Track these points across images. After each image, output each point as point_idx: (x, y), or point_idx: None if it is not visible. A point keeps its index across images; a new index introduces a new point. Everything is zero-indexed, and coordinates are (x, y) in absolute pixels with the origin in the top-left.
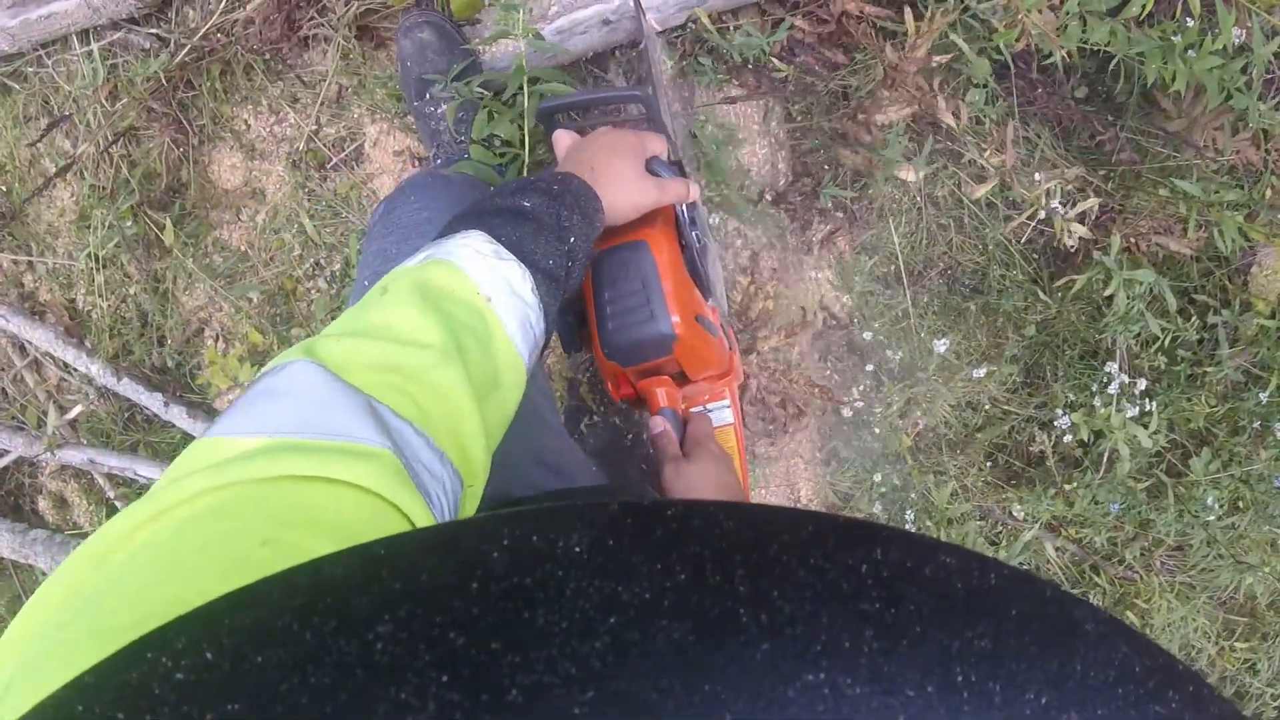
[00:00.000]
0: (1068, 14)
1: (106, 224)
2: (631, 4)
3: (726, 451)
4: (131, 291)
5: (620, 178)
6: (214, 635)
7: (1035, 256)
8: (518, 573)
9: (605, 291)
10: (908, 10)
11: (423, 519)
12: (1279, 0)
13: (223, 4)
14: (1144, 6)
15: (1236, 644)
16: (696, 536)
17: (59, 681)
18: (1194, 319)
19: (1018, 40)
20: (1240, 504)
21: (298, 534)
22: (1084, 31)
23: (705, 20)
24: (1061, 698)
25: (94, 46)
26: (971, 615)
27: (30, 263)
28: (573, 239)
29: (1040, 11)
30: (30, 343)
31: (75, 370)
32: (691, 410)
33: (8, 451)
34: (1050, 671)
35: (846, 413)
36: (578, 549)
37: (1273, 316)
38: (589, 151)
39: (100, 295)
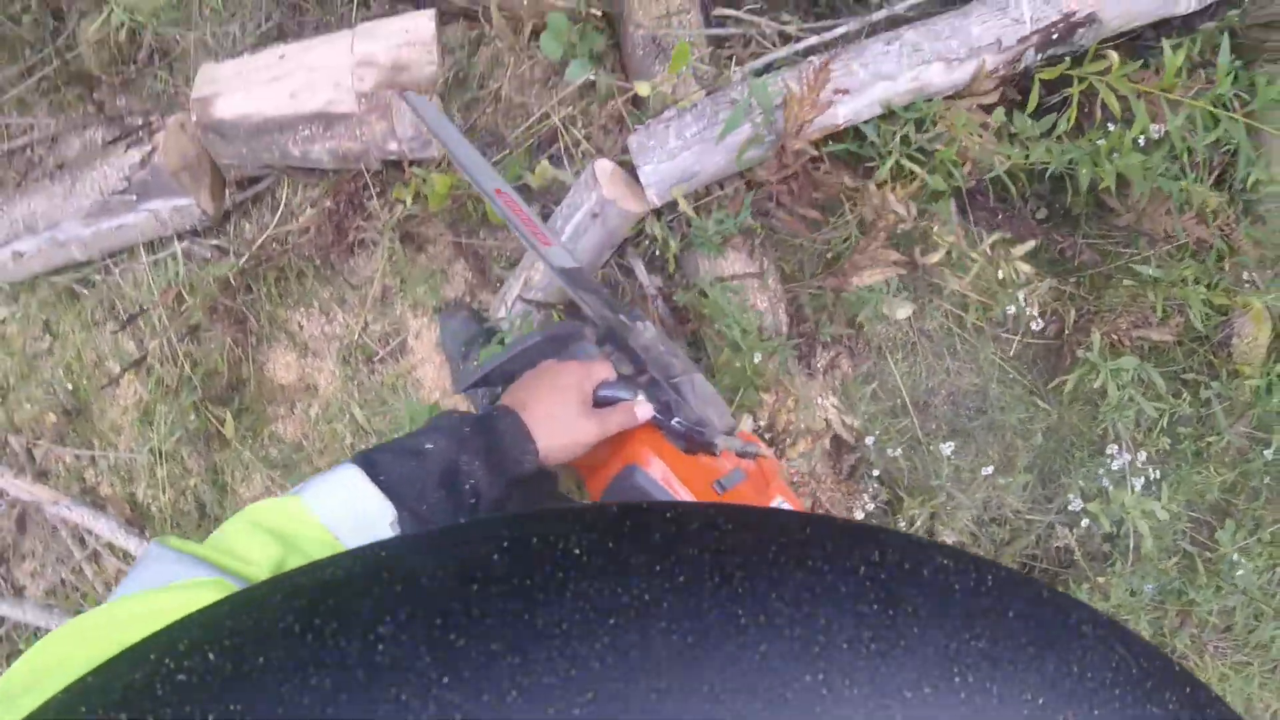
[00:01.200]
0: (998, 136)
1: (170, 420)
2: (610, 197)
3: None
4: (191, 484)
5: (553, 417)
6: (216, 636)
7: (1028, 369)
8: (518, 575)
9: None
10: (872, 187)
11: None
12: (1175, 82)
13: (278, 216)
14: (1069, 120)
15: None
16: (695, 538)
17: None
18: (1186, 396)
19: (963, 164)
20: (1277, 565)
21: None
22: (1026, 157)
23: (683, 203)
24: (1058, 699)
25: (170, 253)
26: (969, 617)
27: (93, 458)
28: (471, 483)
29: (977, 135)
30: (91, 533)
31: (135, 559)
32: None
33: None
34: (1047, 673)
35: (859, 515)
36: (577, 551)
37: (1262, 376)
38: (527, 389)
39: (161, 489)
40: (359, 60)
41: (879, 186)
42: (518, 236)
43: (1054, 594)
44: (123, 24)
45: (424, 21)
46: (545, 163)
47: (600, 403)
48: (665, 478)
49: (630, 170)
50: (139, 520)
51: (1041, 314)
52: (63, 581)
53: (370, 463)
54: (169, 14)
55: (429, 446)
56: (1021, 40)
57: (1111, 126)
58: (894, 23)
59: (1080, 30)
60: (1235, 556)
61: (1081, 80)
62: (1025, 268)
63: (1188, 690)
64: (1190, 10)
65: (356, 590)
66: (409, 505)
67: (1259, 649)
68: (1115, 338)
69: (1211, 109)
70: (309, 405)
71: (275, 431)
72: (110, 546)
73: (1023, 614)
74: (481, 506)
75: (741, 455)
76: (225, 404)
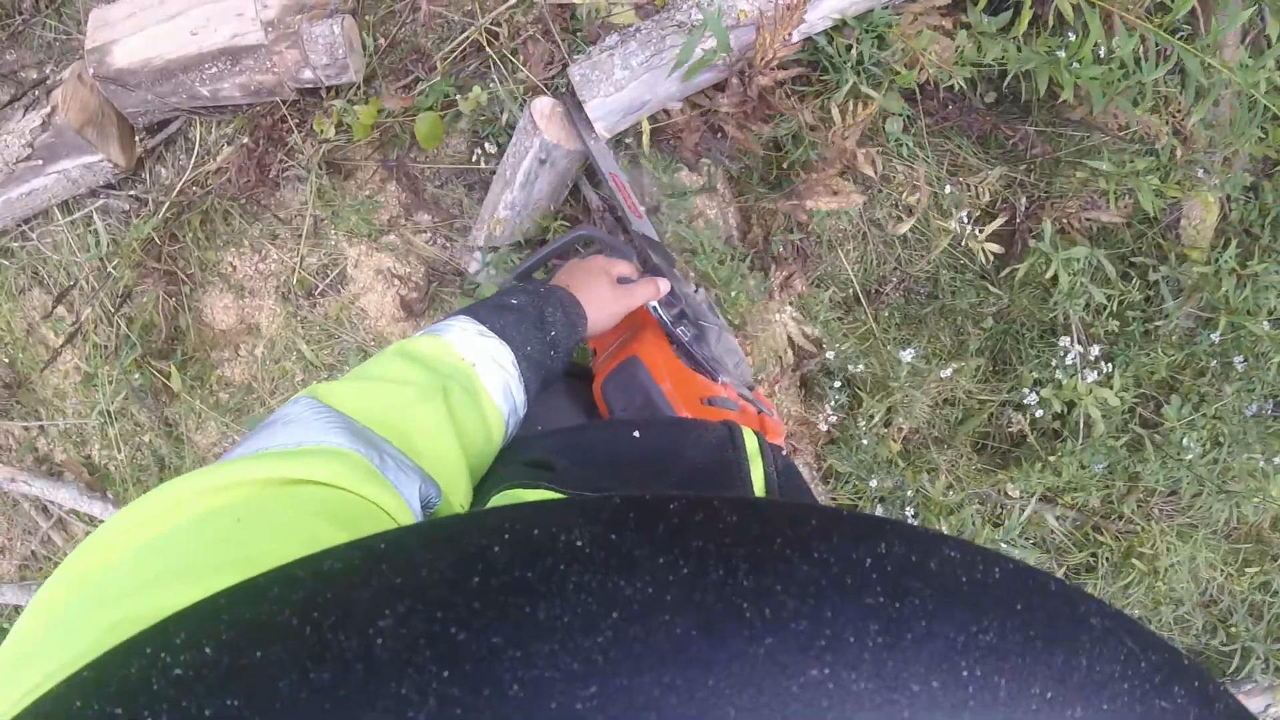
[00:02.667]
0: (959, 46)
1: (114, 379)
2: (554, 141)
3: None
4: (146, 439)
5: (593, 290)
6: (213, 630)
7: (978, 255)
8: (519, 567)
9: (615, 410)
10: (835, 108)
11: (397, 509)
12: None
13: (194, 158)
14: (1021, 24)
15: (1246, 569)
16: (699, 530)
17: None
18: (1135, 280)
19: (919, 75)
20: (1220, 439)
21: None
22: (980, 53)
23: (646, 137)
24: (1067, 692)
25: (85, 212)
26: (976, 610)
27: (42, 427)
28: (554, 331)
29: (935, 48)
30: (54, 503)
31: (101, 521)
32: None
33: None
34: (1055, 666)
35: (822, 427)
36: (580, 543)
37: (1208, 263)
38: (565, 276)
39: (116, 448)
40: None
41: (842, 125)
42: (620, 211)
43: (1062, 586)
44: None
45: None
46: (476, 89)
47: (625, 284)
48: (660, 375)
49: (571, 96)
50: (98, 484)
51: (992, 202)
52: (33, 554)
53: (476, 315)
54: None
55: (514, 301)
56: None
57: (1072, 37)
58: None
59: None
60: (1181, 434)
61: None
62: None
63: (1196, 684)
64: None
65: (355, 583)
66: (520, 348)
67: (1202, 514)
68: (1065, 221)
69: (1164, 35)
70: (254, 346)
71: (223, 376)
72: (75, 512)
73: (1030, 607)
74: (557, 358)
75: (743, 396)
76: (167, 356)
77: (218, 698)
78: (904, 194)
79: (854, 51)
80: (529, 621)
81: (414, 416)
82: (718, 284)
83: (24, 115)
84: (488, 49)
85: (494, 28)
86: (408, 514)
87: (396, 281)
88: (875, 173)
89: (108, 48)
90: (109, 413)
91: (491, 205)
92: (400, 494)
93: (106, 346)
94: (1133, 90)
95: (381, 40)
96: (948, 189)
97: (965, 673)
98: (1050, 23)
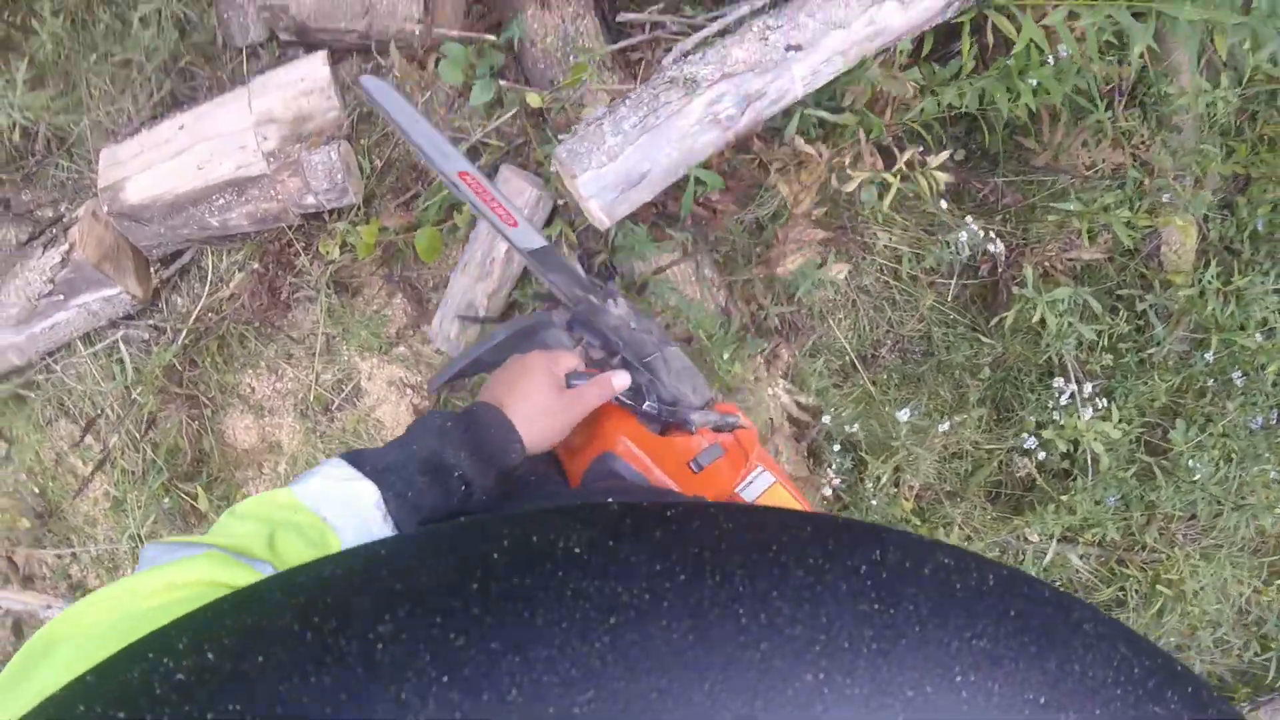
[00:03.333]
0: (916, 98)
1: (142, 504)
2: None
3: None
4: None
5: (530, 401)
6: (215, 635)
7: (967, 309)
8: (518, 573)
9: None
10: (782, 184)
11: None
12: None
13: (208, 286)
14: (968, 57)
15: (1276, 579)
16: (696, 537)
17: None
18: (1123, 312)
19: (888, 129)
20: (1231, 455)
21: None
22: (937, 103)
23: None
24: (1060, 698)
25: (108, 342)
26: (970, 616)
27: (74, 554)
28: (458, 473)
29: (890, 110)
30: None
31: None
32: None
33: None
34: (1049, 671)
35: (827, 491)
36: (578, 549)
37: (1192, 285)
38: (499, 384)
39: None
40: (259, 119)
41: (790, 191)
42: (485, 219)
43: (1056, 593)
44: (14, 124)
45: (318, 66)
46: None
47: (574, 388)
48: (639, 461)
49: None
50: None
51: (973, 255)
52: None
53: (355, 455)
54: (59, 103)
55: (415, 446)
56: None
57: (1011, 57)
58: None
59: None
60: (1190, 456)
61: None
62: (943, 176)
63: (1189, 689)
64: None
65: (356, 588)
66: (394, 489)
67: (1224, 533)
68: (1048, 265)
69: (1108, 14)
70: (276, 463)
71: (248, 494)
72: None
73: (1024, 613)
74: (474, 495)
75: (718, 429)
76: (194, 479)
77: (219, 701)
78: (888, 238)
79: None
80: (527, 627)
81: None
82: (715, 356)
83: (44, 253)
84: (482, 157)
85: (486, 141)
86: None
87: (409, 391)
88: (819, 154)
89: (120, 185)
90: (139, 536)
91: (463, 276)
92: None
93: (134, 472)
94: (1092, 128)
95: (377, 162)
96: (930, 249)
97: (959, 678)
98: (992, 53)
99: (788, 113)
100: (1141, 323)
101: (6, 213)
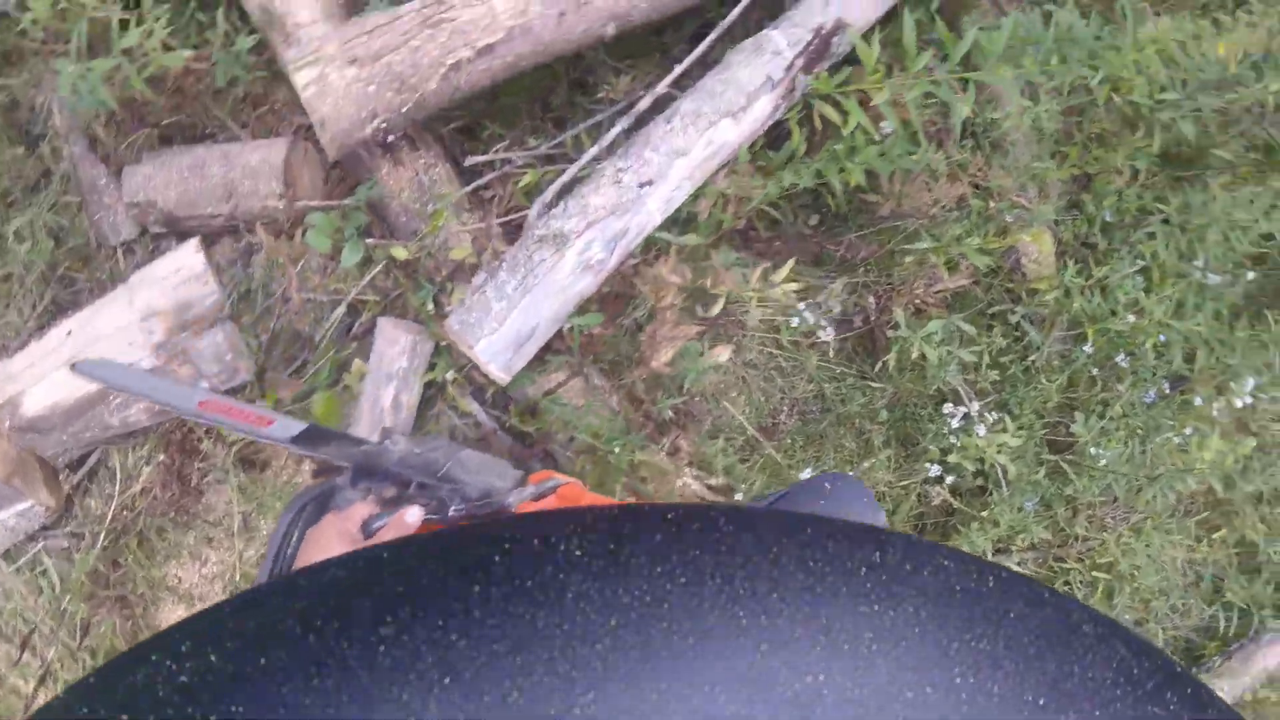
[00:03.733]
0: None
1: None
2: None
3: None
4: None
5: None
6: (218, 638)
7: (852, 359)
8: (519, 576)
9: None
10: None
11: None
12: (878, 76)
13: (118, 485)
14: (797, 141)
15: (1213, 534)
16: (696, 539)
17: None
18: (997, 328)
19: (736, 218)
20: (1136, 432)
21: None
22: (778, 186)
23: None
24: (1060, 699)
25: (28, 557)
26: (970, 617)
27: None
28: None
29: (732, 198)
30: None
31: None
32: None
33: None
34: (1048, 673)
35: None
36: (578, 552)
37: (1058, 287)
38: (299, 564)
39: None
40: (143, 313)
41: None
42: (238, 434)
43: (1055, 595)
44: None
45: (191, 254)
46: (358, 363)
47: (372, 534)
48: None
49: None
50: None
51: (844, 309)
52: None
53: None
54: None
55: None
56: (788, 69)
57: (842, 138)
58: (661, 105)
59: (835, 39)
60: (1094, 444)
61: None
62: (791, 286)
63: (1188, 690)
64: None
65: (358, 591)
66: None
67: (1148, 505)
68: (919, 302)
69: (930, 85)
70: None
71: None
72: None
73: (1024, 615)
74: None
75: (540, 498)
76: None
77: (222, 704)
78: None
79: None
80: (529, 629)
81: None
82: (614, 458)
83: None
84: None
85: (362, 298)
86: None
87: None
88: (684, 279)
89: (17, 400)
90: None
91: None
92: None
93: (71, 680)
94: (922, 166)
95: (264, 336)
96: (802, 313)
97: (959, 679)
98: (822, 134)
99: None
100: (1018, 333)
101: None
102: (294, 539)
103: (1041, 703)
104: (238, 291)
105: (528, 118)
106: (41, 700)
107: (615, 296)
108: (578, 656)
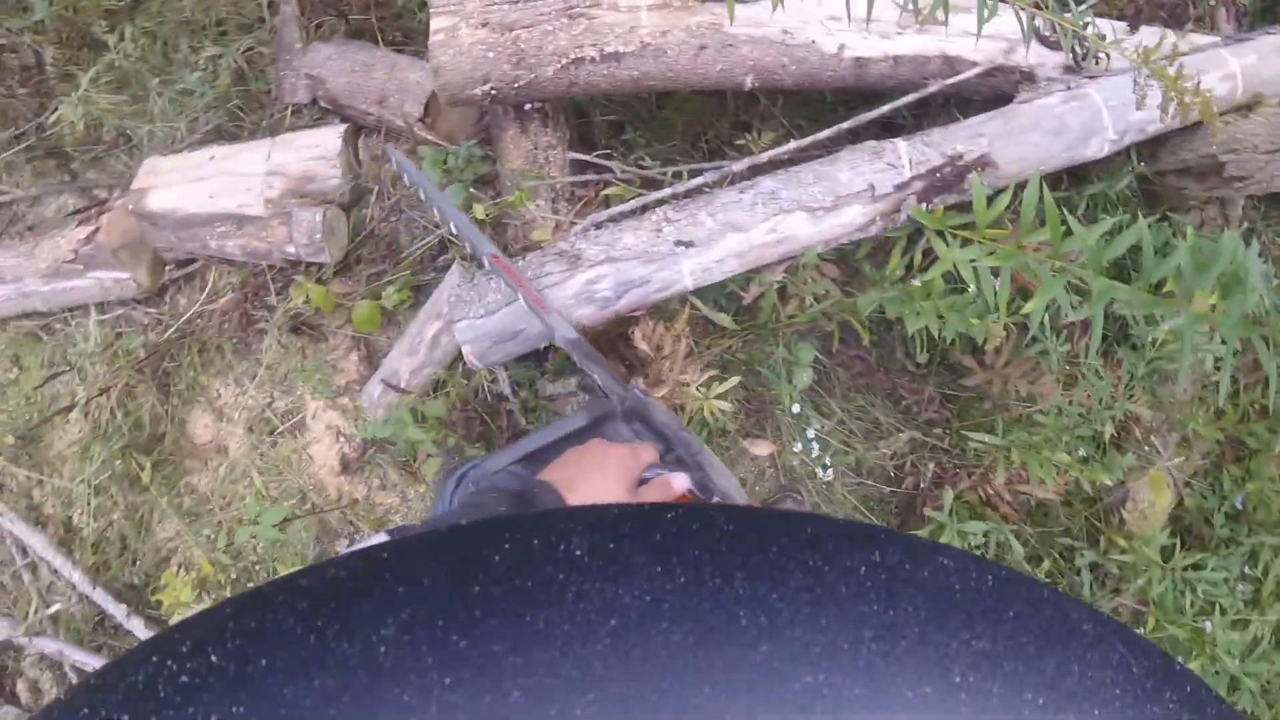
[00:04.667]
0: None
1: (101, 459)
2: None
3: None
4: (115, 518)
5: (598, 496)
6: (219, 638)
7: (889, 517)
8: (519, 576)
9: None
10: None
11: None
12: (991, 225)
13: (204, 295)
14: (894, 267)
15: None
16: (696, 539)
17: None
18: (1049, 562)
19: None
20: None
21: None
22: (846, 304)
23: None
24: (1059, 698)
25: (116, 315)
26: (969, 617)
27: (40, 481)
28: None
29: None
30: (30, 547)
31: (62, 575)
32: None
33: None
34: (1048, 672)
35: None
36: (579, 552)
37: (1163, 567)
38: (573, 466)
39: (91, 517)
40: (271, 169)
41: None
42: (523, 300)
43: (1054, 594)
44: (81, 117)
45: (332, 138)
46: (390, 290)
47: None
48: None
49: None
50: (69, 541)
51: (898, 466)
52: (2, 585)
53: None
54: (126, 108)
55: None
56: (900, 187)
57: (920, 279)
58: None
59: (971, 175)
60: None
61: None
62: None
63: (1188, 689)
64: (1102, 155)
65: (359, 591)
66: None
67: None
68: (989, 492)
69: (1074, 278)
70: (219, 464)
71: (190, 483)
72: (44, 560)
73: (1023, 614)
74: None
75: None
76: (148, 453)
77: (223, 704)
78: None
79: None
80: (529, 629)
81: None
82: None
83: (75, 226)
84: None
85: (450, 239)
86: None
87: (342, 439)
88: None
89: (146, 192)
90: (93, 485)
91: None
92: None
93: (104, 431)
94: (1038, 358)
95: (364, 231)
96: (856, 449)
97: (958, 679)
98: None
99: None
100: (1071, 572)
101: (73, 182)
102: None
103: (1041, 702)
104: (364, 184)
105: (680, 138)
106: (74, 430)
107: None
108: (578, 657)
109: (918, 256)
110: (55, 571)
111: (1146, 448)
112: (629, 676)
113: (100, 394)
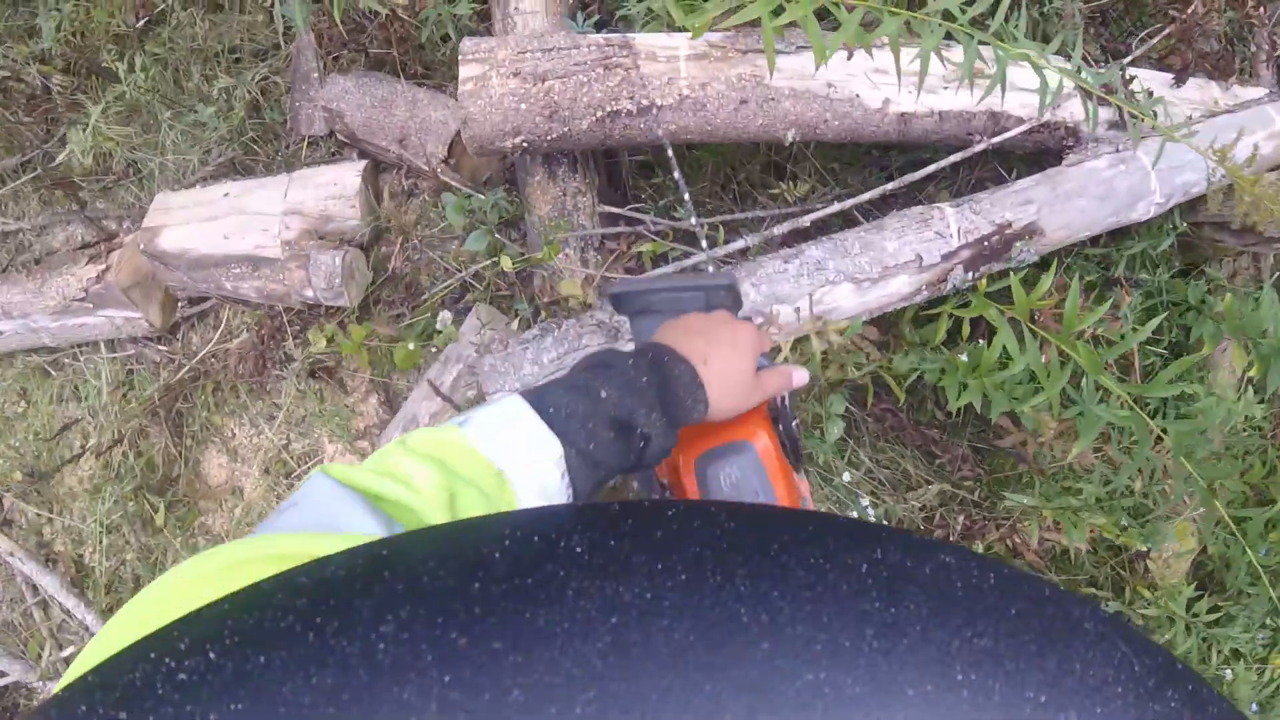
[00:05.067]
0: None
1: (114, 499)
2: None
3: None
4: (128, 558)
5: (731, 377)
6: (218, 635)
7: None
8: (519, 573)
9: (711, 495)
10: None
11: None
12: (1048, 304)
13: (218, 334)
14: (939, 334)
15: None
16: (697, 536)
17: None
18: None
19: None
20: None
21: None
22: (904, 363)
23: None
24: (1060, 696)
25: (128, 354)
26: (971, 615)
27: (50, 518)
28: (647, 438)
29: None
30: (41, 586)
31: (74, 616)
32: None
33: (6, 675)
34: (1049, 670)
35: None
36: (579, 549)
37: (1168, 613)
38: (706, 339)
39: (104, 556)
40: (288, 209)
41: None
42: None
43: (1056, 592)
44: (89, 148)
45: (351, 176)
46: (446, 314)
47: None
48: (772, 464)
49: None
50: (80, 581)
51: (928, 519)
52: (13, 623)
53: (538, 398)
54: (140, 139)
55: (604, 394)
56: (947, 256)
57: (979, 343)
58: (800, 236)
59: (1018, 244)
60: None
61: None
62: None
63: (1190, 687)
64: (1149, 217)
65: (358, 589)
66: (578, 445)
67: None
68: (1017, 541)
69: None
70: (234, 506)
71: (205, 524)
72: (56, 599)
73: (1025, 612)
74: (647, 455)
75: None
76: (161, 494)
77: (222, 701)
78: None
79: None
80: (529, 627)
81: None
82: None
83: (85, 264)
84: (471, 293)
85: (472, 282)
86: None
87: None
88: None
89: (158, 230)
90: (104, 524)
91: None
92: None
93: (116, 471)
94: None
95: (384, 273)
96: (885, 500)
97: (959, 676)
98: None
99: None
100: None
101: (81, 212)
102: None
103: (1043, 699)
104: (384, 223)
105: (710, 180)
106: (86, 467)
107: None
108: (579, 654)
109: (965, 325)
110: (68, 612)
111: (1173, 497)
112: (629, 674)
113: (114, 444)
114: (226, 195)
